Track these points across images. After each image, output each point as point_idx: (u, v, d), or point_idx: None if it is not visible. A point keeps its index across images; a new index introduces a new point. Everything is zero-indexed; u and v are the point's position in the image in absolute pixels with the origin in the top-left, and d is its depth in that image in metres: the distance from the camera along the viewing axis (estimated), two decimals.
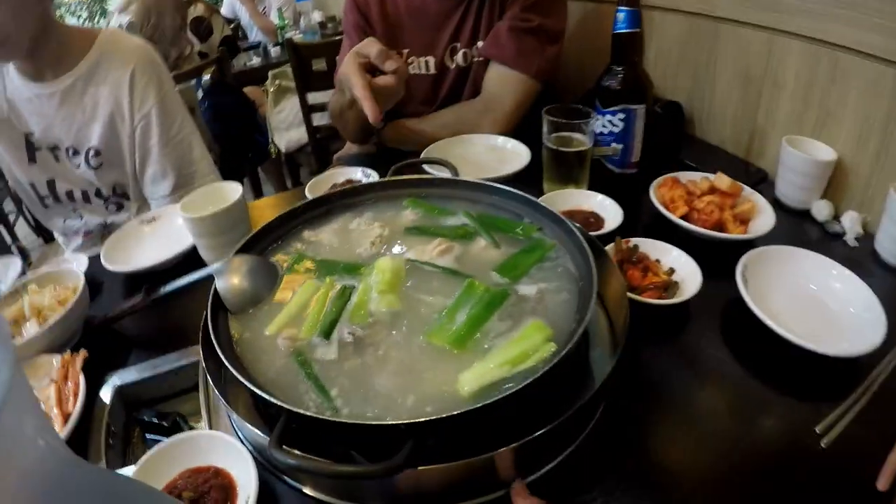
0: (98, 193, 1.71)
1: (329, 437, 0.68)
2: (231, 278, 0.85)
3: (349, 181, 1.40)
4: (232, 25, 5.27)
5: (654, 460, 0.79)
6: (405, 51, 1.77)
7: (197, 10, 3.26)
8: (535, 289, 0.80)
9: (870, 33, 1.27)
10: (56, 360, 0.97)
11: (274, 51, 4.54)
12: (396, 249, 0.92)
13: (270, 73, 3.63)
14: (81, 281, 1.11)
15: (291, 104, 3.40)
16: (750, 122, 1.57)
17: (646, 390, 0.87)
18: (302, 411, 0.62)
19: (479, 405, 0.60)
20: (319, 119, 3.01)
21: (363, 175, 1.42)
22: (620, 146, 1.36)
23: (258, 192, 3.85)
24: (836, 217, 1.32)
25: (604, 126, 1.35)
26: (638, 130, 1.35)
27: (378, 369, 0.71)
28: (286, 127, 3.47)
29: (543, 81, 1.68)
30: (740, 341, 0.96)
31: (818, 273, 1.05)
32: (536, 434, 0.66)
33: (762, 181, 1.46)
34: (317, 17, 4.75)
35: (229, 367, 0.69)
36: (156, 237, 1.37)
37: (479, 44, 1.70)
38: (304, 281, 0.87)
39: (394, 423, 0.61)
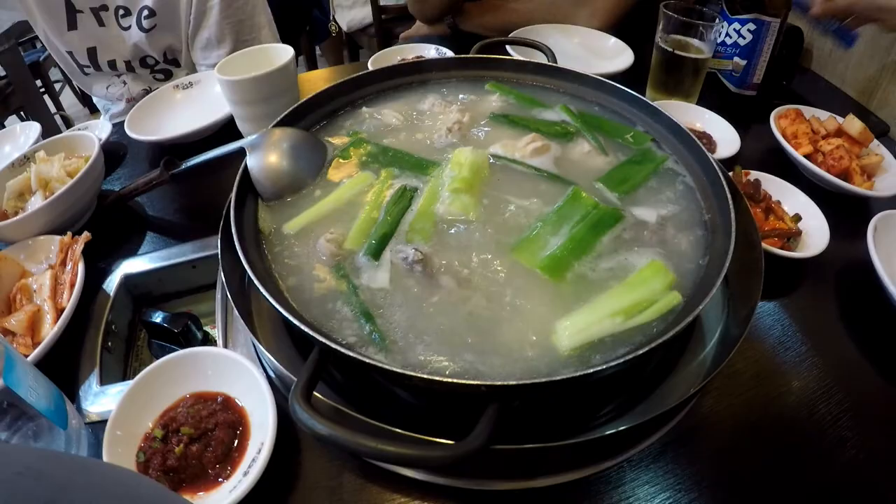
0: (143, 62, 1.56)
1: (374, 386, 0.52)
2: (267, 155, 0.68)
3: (420, 58, 1.21)
4: None
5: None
6: None
7: None
8: (654, 215, 0.62)
9: None
10: (55, 242, 0.85)
11: None
12: (482, 140, 0.74)
13: None
14: (96, 148, 0.96)
15: None
16: (878, 65, 1.35)
17: (749, 357, 0.72)
18: (344, 350, 0.46)
19: (587, 371, 0.44)
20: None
21: (437, 53, 1.24)
22: (744, 62, 1.16)
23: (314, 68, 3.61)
24: None
25: (728, 35, 1.14)
26: (767, 47, 1.14)
27: (443, 302, 0.54)
28: (350, 4, 3.19)
29: None
30: (860, 312, 0.80)
31: None
32: (641, 422, 0.51)
33: (883, 135, 1.26)
34: None
35: (250, 272, 0.53)
36: (190, 105, 1.23)
37: None
38: (358, 171, 0.70)
39: (475, 382, 0.44)
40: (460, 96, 0.82)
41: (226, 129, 1.09)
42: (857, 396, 0.70)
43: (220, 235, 0.63)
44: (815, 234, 0.84)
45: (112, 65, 1.57)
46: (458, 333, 0.51)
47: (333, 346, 0.46)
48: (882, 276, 0.76)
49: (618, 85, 0.79)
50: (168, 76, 1.58)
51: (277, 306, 0.49)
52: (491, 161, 0.68)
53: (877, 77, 1.35)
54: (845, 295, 0.83)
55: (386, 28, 2.81)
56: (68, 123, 3.92)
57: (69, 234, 0.84)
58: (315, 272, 0.57)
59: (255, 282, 0.51)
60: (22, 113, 3.19)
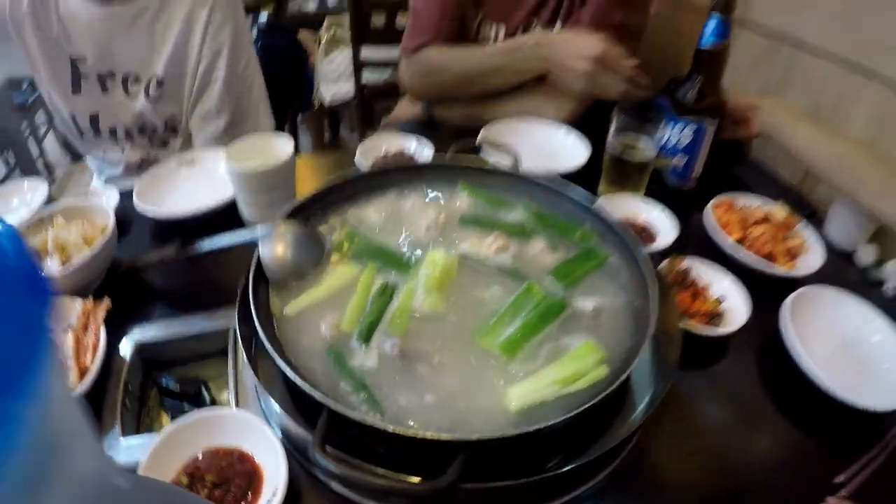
0: (143, 130, 1.65)
1: (369, 440, 0.67)
2: (276, 246, 0.81)
3: (402, 152, 1.36)
4: None
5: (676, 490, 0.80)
6: (481, 12, 1.72)
7: None
8: (591, 304, 0.77)
9: None
10: (77, 305, 0.93)
11: None
12: (452, 239, 0.89)
13: (327, 20, 3.54)
14: (111, 221, 1.07)
15: (343, 56, 3.31)
16: None
17: (678, 417, 0.87)
18: (348, 413, 0.60)
19: (536, 428, 0.59)
20: (369, 75, 2.94)
21: (417, 146, 1.38)
22: (684, 159, 1.33)
23: (295, 143, 3.70)
24: (880, 264, 1.31)
25: (671, 137, 1.31)
26: (705, 146, 1.31)
27: (421, 379, 0.69)
28: (335, 78, 3.39)
29: None
30: (775, 378, 0.96)
31: (860, 322, 1.03)
32: (576, 464, 0.65)
33: (811, 216, 1.43)
34: None
35: (270, 348, 0.66)
36: (193, 181, 1.32)
37: (557, 25, 1.66)
38: (349, 263, 0.84)
39: (450, 438, 0.59)
40: (437, 195, 0.98)
41: (228, 210, 1.19)
42: (775, 451, 0.86)
43: (237, 311, 0.76)
44: (738, 311, 0.98)
45: (113, 132, 1.64)
46: (434, 401, 0.66)
47: (340, 411, 0.60)
48: (794, 345, 0.92)
49: (569, 189, 0.94)
50: (165, 144, 1.67)
51: (294, 376, 0.62)
52: (461, 258, 0.83)
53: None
54: (766, 362, 0.98)
55: (367, 103, 3.00)
56: (50, 170, 4.06)
57: (91, 298, 0.93)
58: (318, 348, 0.71)
59: (275, 356, 0.65)
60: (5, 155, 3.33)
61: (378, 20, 2.80)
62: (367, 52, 2.89)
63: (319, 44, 3.46)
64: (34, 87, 1.75)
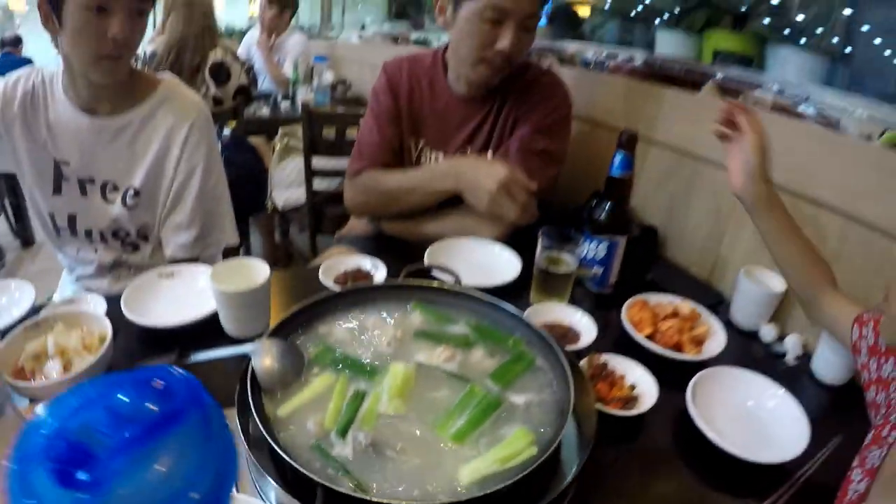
0: (116, 234, 1.76)
1: None
2: (265, 360, 0.98)
3: (360, 271, 1.56)
4: (246, 68, 5.34)
5: None
6: (421, 140, 1.97)
7: (217, 54, 3.37)
8: (523, 399, 0.97)
9: (823, 187, 1.51)
10: None
11: (283, 104, 4.61)
12: (408, 351, 1.08)
13: (280, 130, 3.78)
14: (109, 332, 1.17)
15: (295, 163, 3.54)
16: (714, 252, 1.80)
17: (607, 486, 1.04)
18: (341, 490, 0.76)
19: (480, 494, 0.77)
20: (319, 183, 3.15)
21: (371, 265, 1.57)
22: (601, 270, 1.56)
23: (246, 243, 3.88)
24: (781, 338, 1.53)
25: (588, 251, 1.55)
26: (618, 258, 1.56)
27: (390, 460, 0.86)
28: (287, 185, 3.62)
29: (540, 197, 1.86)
30: (688, 446, 1.14)
31: (756, 391, 1.24)
32: None
33: (720, 304, 1.67)
34: (329, 77, 4.81)
35: (272, 442, 0.82)
36: (174, 292, 1.44)
37: (489, 152, 1.90)
38: (326, 372, 1.02)
39: None
40: (395, 314, 1.17)
41: (209, 321, 1.33)
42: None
43: (237, 412, 0.91)
44: (648, 394, 1.18)
45: (88, 233, 1.75)
46: (402, 479, 0.83)
47: (335, 488, 0.76)
48: (699, 423, 1.11)
49: (502, 304, 1.14)
50: (136, 249, 1.79)
51: (294, 463, 0.79)
52: (417, 366, 1.02)
53: (713, 260, 1.79)
54: (679, 433, 1.17)
55: (318, 209, 3.21)
56: (0, 254, 4.26)
57: None
58: (306, 442, 0.88)
59: (276, 448, 0.81)
60: None
61: (329, 132, 3.04)
62: (319, 162, 3.12)
63: (273, 151, 3.71)
64: None
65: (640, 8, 2.67)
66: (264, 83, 5.25)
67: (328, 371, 1.02)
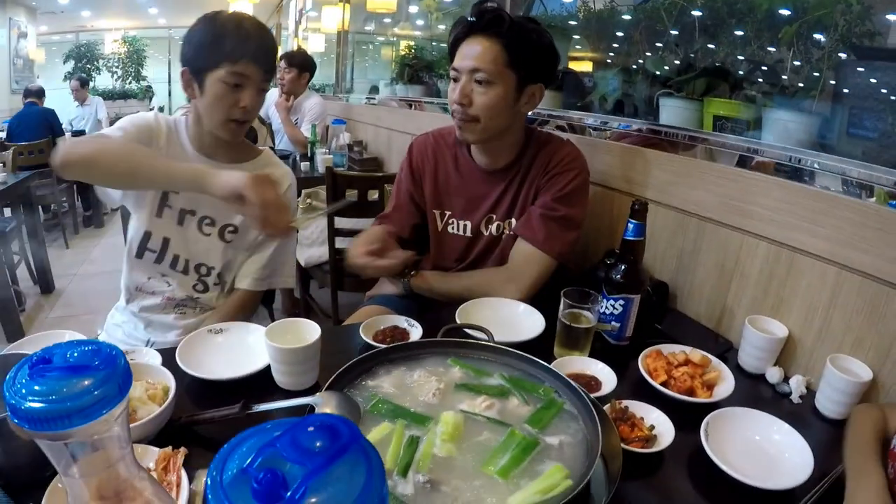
0: (198, 267, 1.98)
1: None
2: (326, 409, 1.11)
3: (396, 328, 1.69)
4: (270, 130, 5.54)
5: None
6: (448, 212, 2.15)
7: None
8: (557, 440, 1.10)
9: (817, 240, 1.67)
10: (154, 452, 1.09)
11: (303, 165, 4.75)
12: (452, 401, 1.21)
13: (303, 192, 3.90)
14: (173, 384, 1.28)
15: (318, 223, 3.66)
16: (721, 302, 1.95)
17: None
18: None
19: None
20: (341, 242, 3.24)
21: (407, 324, 1.70)
22: (618, 325, 1.71)
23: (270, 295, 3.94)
24: (786, 379, 1.68)
25: (606, 308, 1.70)
26: (633, 313, 1.71)
27: (446, 496, 0.99)
28: (309, 244, 3.73)
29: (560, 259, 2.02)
30: (703, 480, 1.26)
31: (763, 427, 1.37)
32: None
33: (728, 350, 1.81)
34: (346, 138, 5.02)
35: None
36: (224, 348, 1.55)
37: (512, 220, 2.07)
38: (380, 420, 1.15)
39: None
40: (437, 369, 1.31)
41: (261, 375, 1.44)
42: None
43: None
44: (666, 434, 1.30)
45: (175, 260, 1.95)
46: None
47: None
48: (712, 456, 1.24)
49: (531, 357, 1.28)
50: (205, 289, 2.00)
51: None
52: (464, 416, 1.16)
53: (720, 310, 1.94)
54: (695, 467, 1.29)
55: (340, 267, 3.32)
56: (19, 298, 4.39)
57: (171, 447, 1.11)
58: None
59: None
60: None
61: (351, 194, 3.19)
62: (341, 222, 3.25)
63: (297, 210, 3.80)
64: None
65: (643, 77, 2.88)
66: (281, 143, 5.43)
67: (384, 420, 1.15)
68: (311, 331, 1.47)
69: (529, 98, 2.00)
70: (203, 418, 1.26)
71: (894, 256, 1.51)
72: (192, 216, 1.94)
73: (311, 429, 0.49)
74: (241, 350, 1.55)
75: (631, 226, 1.67)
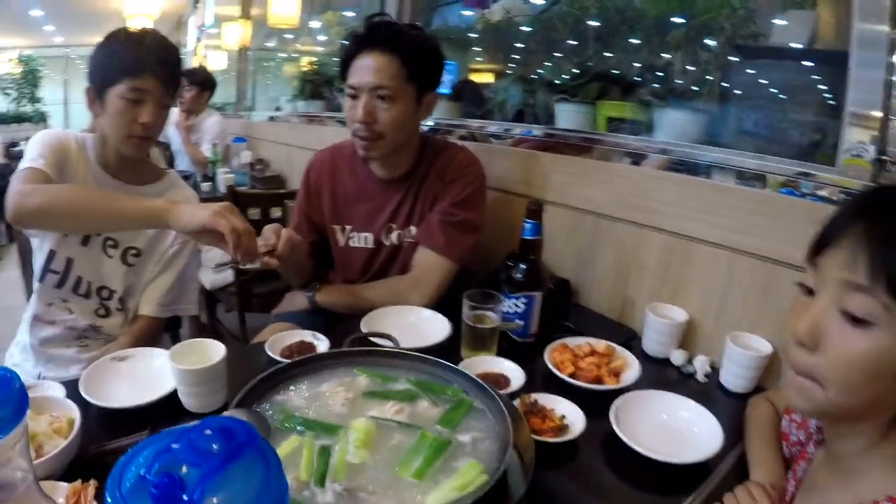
0: (100, 290, 1.94)
1: None
2: None
3: (303, 342, 1.68)
4: (166, 151, 5.39)
5: None
6: (349, 226, 2.15)
7: None
8: (469, 437, 1.11)
9: (711, 228, 1.76)
10: (63, 488, 1.04)
11: (204, 186, 4.67)
12: (362, 409, 1.21)
13: None
14: (78, 415, 1.22)
15: None
16: (622, 294, 2.03)
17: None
18: None
19: None
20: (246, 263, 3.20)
21: (313, 338, 1.69)
22: (522, 322, 1.75)
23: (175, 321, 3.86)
24: (690, 361, 1.75)
25: (509, 307, 1.73)
26: (536, 310, 1.75)
27: (364, 501, 0.99)
28: (213, 266, 3.63)
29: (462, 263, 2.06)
30: (618, 462, 1.31)
31: (670, 407, 1.44)
32: None
33: (632, 338, 1.88)
34: (247, 157, 4.97)
35: None
36: (130, 375, 1.49)
37: (412, 228, 2.09)
38: (290, 434, 1.13)
39: None
40: (344, 379, 1.29)
41: (168, 399, 1.39)
42: None
43: None
44: (577, 422, 1.34)
45: (77, 283, 1.90)
46: None
47: None
48: (623, 438, 1.29)
49: (438, 360, 1.28)
50: (107, 314, 1.95)
51: None
52: (374, 422, 1.16)
53: (621, 302, 2.00)
54: (609, 451, 1.33)
55: (246, 288, 3.28)
56: None
57: (80, 481, 1.06)
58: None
59: None
60: None
61: (254, 213, 3.18)
62: None
63: None
64: None
65: (541, 85, 2.97)
66: (181, 164, 5.30)
67: (293, 434, 1.14)
68: (215, 350, 1.44)
69: (426, 107, 2.05)
70: (111, 448, 1.22)
71: (784, 237, 1.61)
72: (96, 236, 1.92)
73: (207, 432, 0.49)
74: (146, 376, 1.50)
75: (528, 225, 1.72)
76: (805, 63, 2.22)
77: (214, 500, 0.44)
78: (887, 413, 0.90)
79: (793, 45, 2.17)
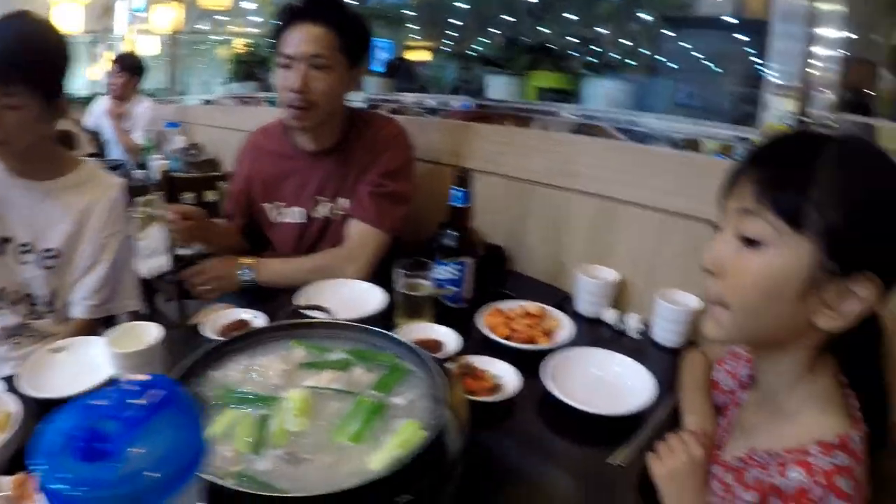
0: (26, 297, 1.83)
1: None
2: None
3: (240, 321, 1.68)
4: (94, 141, 5.23)
5: None
6: (280, 203, 2.18)
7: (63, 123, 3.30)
8: (404, 400, 1.14)
9: (640, 190, 1.81)
10: (5, 481, 1.04)
11: (138, 173, 4.52)
12: (298, 380, 1.22)
13: (139, 200, 3.70)
14: (15, 408, 1.23)
15: (156, 232, 3.32)
16: (555, 258, 2.08)
17: (494, 464, 1.25)
18: (265, 493, 0.91)
19: (390, 472, 0.93)
20: (183, 248, 3.00)
21: (250, 315, 1.69)
22: (455, 289, 1.78)
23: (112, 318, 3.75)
24: (623, 319, 1.81)
25: (442, 274, 1.76)
26: (469, 276, 1.79)
27: (306, 464, 1.01)
28: (149, 254, 3.46)
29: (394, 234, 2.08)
30: (555, 419, 1.36)
31: (602, 362, 1.52)
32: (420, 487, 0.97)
33: (566, 299, 1.93)
34: (180, 142, 4.82)
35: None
36: (68, 365, 1.48)
37: (340, 199, 2.12)
38: (227, 409, 1.13)
39: (349, 487, 0.89)
40: (279, 352, 1.30)
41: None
42: (564, 459, 1.31)
43: None
44: (512, 382, 1.39)
45: (1, 293, 1.80)
46: (321, 478, 0.98)
47: (261, 493, 0.90)
48: (556, 394, 1.34)
49: (372, 328, 1.31)
50: (38, 317, 1.85)
51: (220, 482, 0.89)
52: (311, 390, 1.17)
53: (555, 266, 2.05)
54: (545, 412, 1.39)
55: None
56: None
57: (24, 473, 1.05)
58: (223, 466, 1.00)
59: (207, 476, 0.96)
60: None
61: (189, 197, 3.18)
62: None
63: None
64: None
65: (475, 58, 3.00)
66: (114, 153, 5.18)
67: (230, 408, 1.15)
68: (151, 333, 1.44)
69: (354, 80, 2.09)
70: None
71: (712, 199, 1.65)
72: (7, 243, 1.80)
73: (129, 388, 0.52)
74: (85, 364, 1.48)
75: (456, 193, 1.76)
76: (733, 34, 2.28)
77: (137, 450, 0.46)
78: (806, 342, 0.97)
79: (722, 16, 2.24)
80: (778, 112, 1.73)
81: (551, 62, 2.51)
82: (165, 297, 3.73)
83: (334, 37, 1.95)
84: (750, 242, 0.93)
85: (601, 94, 2.25)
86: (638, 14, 2.32)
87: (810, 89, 1.68)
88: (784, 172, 0.92)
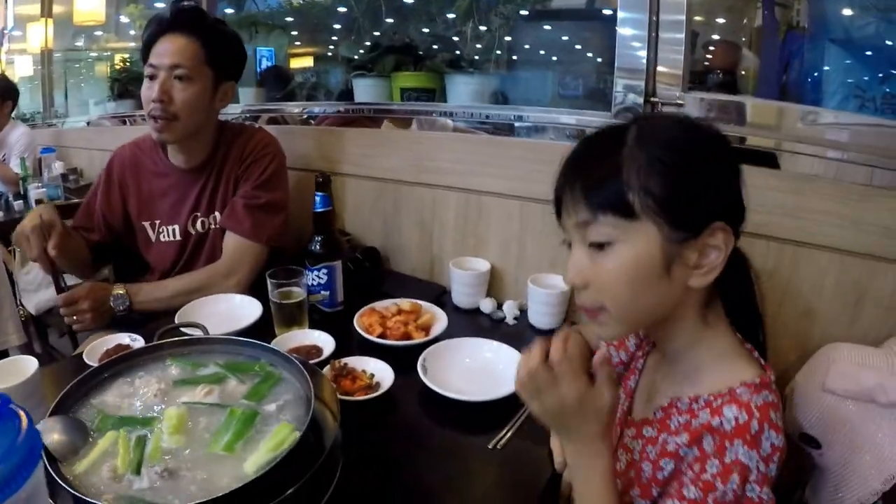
0: None
1: None
2: (52, 435, 1.08)
3: (119, 345, 1.66)
4: None
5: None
6: (157, 221, 2.15)
7: None
8: (275, 406, 1.18)
9: (498, 180, 1.89)
10: None
11: (17, 204, 4.32)
12: (174, 397, 1.24)
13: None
14: None
15: (38, 265, 3.35)
16: (428, 254, 2.15)
17: (375, 458, 1.29)
18: None
19: (262, 473, 0.96)
20: (69, 279, 2.96)
21: (130, 339, 1.68)
22: (327, 293, 1.82)
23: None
24: (500, 307, 1.88)
25: (313, 280, 1.80)
26: (338, 279, 1.83)
27: (183, 479, 1.03)
28: (35, 288, 3.39)
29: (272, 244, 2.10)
30: (431, 410, 1.41)
31: (474, 351, 1.57)
32: (297, 486, 1.00)
33: (443, 293, 2.00)
34: (59, 167, 4.60)
35: (77, 494, 0.94)
36: None
37: (216, 214, 2.11)
38: (106, 432, 1.13)
39: (225, 492, 0.93)
40: (155, 372, 1.32)
41: None
42: (447, 447, 1.34)
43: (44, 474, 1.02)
44: (387, 378, 1.44)
45: None
46: (199, 490, 1.00)
47: None
48: (430, 385, 1.40)
49: (244, 339, 1.33)
50: None
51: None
52: (187, 406, 1.20)
53: (430, 262, 2.11)
54: (424, 405, 1.43)
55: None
56: None
57: None
58: (104, 488, 1.01)
59: (81, 496, 0.94)
60: None
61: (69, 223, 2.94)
62: None
63: (14, 255, 3.45)
64: None
65: (342, 63, 3.04)
66: None
67: (109, 431, 1.15)
68: (28, 365, 1.42)
69: (224, 95, 2.09)
70: None
71: None
72: None
73: None
74: None
75: (317, 198, 1.80)
76: (587, 24, 2.40)
77: None
78: (690, 304, 1.04)
79: (573, 7, 2.35)
80: (624, 96, 1.83)
81: (412, 62, 2.56)
82: (58, 331, 3.58)
83: (199, 48, 1.96)
84: (600, 247, 0.98)
85: (460, 91, 2.32)
86: (499, 9, 2.39)
87: (654, 71, 1.79)
88: (597, 172, 0.98)
